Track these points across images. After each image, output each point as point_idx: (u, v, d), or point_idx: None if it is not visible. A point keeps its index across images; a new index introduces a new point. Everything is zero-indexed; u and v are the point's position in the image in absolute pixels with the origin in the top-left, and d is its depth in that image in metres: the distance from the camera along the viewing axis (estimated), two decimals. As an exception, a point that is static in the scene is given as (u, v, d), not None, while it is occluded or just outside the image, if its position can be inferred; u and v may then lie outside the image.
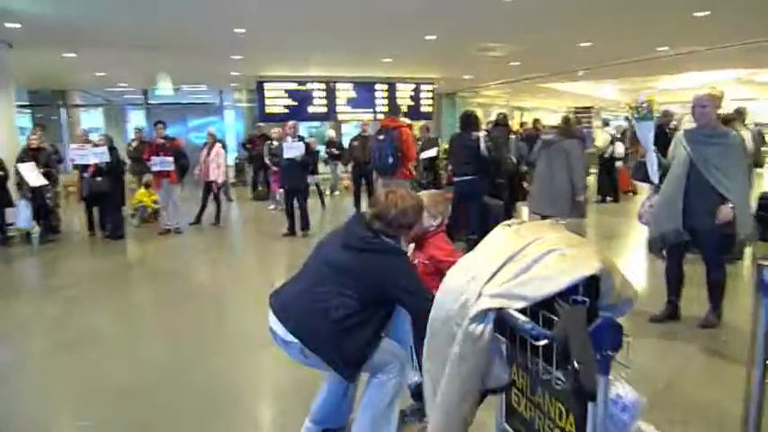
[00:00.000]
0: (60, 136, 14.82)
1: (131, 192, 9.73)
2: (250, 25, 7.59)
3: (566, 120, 6.04)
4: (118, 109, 17.72)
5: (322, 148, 12.22)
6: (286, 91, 13.19)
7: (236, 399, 3.11)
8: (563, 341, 1.18)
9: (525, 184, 8.37)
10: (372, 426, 2.26)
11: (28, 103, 15.57)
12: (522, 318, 1.32)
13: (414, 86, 14.20)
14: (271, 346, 2.38)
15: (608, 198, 10.31)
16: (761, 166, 7.76)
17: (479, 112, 19.59)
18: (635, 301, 1.48)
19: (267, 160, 10.07)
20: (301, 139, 7.61)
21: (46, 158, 7.77)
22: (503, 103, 22.08)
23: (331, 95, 13.56)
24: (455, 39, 9.11)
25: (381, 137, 6.13)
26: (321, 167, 11.73)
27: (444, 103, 18.01)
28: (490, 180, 6.37)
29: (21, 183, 7.49)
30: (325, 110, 13.61)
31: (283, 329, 2.19)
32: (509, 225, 1.62)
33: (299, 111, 13.22)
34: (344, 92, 13.69)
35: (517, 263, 1.41)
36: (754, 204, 4.82)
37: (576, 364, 1.13)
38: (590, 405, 1.28)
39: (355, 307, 2.13)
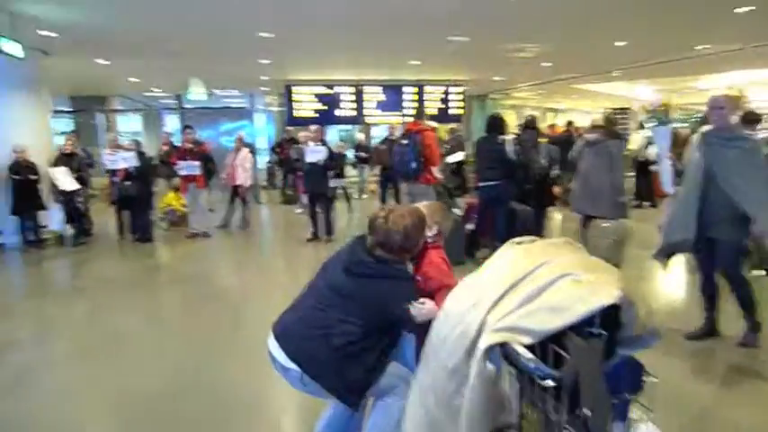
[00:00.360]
0: (98, 140, 15.24)
1: (160, 196, 9.86)
2: (275, 29, 7.59)
3: (609, 120, 5.98)
4: (155, 113, 18.16)
5: (351, 152, 12.18)
6: (314, 95, 13.20)
7: (252, 407, 3.05)
8: (572, 383, 1.03)
9: (556, 189, 8.11)
10: None
11: (70, 109, 16.18)
12: (526, 355, 1.17)
13: (443, 89, 14.01)
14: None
15: (644, 203, 9.90)
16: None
17: (511, 115, 19.35)
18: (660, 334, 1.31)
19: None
20: (324, 143, 7.54)
21: (78, 163, 7.94)
22: (535, 105, 21.63)
23: (359, 99, 13.50)
24: (484, 40, 8.91)
25: (405, 141, 6.00)
26: (349, 171, 11.68)
27: (475, 105, 17.73)
28: (518, 185, 6.15)
29: (54, 187, 7.67)
30: (353, 113, 13.57)
31: (283, 356, 2.08)
32: (518, 243, 1.47)
33: (327, 114, 13.23)
34: (373, 95, 13.61)
35: (525, 288, 1.26)
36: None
37: (585, 411, 0.99)
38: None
39: (358, 334, 2.01)
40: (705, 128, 3.58)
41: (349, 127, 15.87)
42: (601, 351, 1.10)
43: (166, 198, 9.53)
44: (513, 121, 16.09)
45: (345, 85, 13.31)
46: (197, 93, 15.70)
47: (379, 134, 14.01)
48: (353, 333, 2.00)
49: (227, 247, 7.98)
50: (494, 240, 6.03)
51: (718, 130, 3.45)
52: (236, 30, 7.68)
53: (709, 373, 3.29)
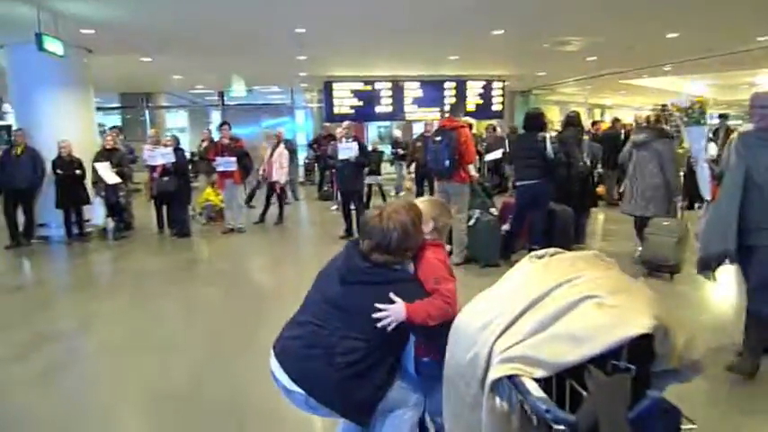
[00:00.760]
0: (145, 136, 15.69)
1: (200, 191, 10.02)
2: (310, 24, 7.52)
3: (656, 119, 5.87)
4: (202, 110, 18.57)
5: (388, 148, 12.03)
6: (352, 91, 13.10)
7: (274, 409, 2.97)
8: (590, 430, 0.86)
9: (600, 189, 7.75)
10: None
11: (116, 106, 16.77)
12: (537, 393, 0.99)
13: (483, 84, 13.66)
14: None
15: (696, 204, 9.34)
16: None
17: (556, 111, 18.77)
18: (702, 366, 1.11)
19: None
20: (356, 139, 7.43)
21: (119, 159, 8.12)
22: (581, 101, 20.91)
23: (398, 95, 13.33)
24: (526, 33, 8.58)
25: (438, 138, 5.80)
26: (387, 168, 11.53)
27: (518, 101, 17.28)
28: (558, 185, 5.87)
29: (96, 181, 7.88)
30: (391, 109, 13.42)
31: (286, 377, 1.94)
32: (538, 257, 1.29)
33: (365, 111, 13.13)
34: (412, 91, 13.41)
35: (541, 311, 1.09)
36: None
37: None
38: None
39: (363, 350, 1.85)
40: (745, 127, 3.27)
41: (388, 123, 15.75)
42: (627, 390, 0.92)
43: (205, 193, 9.67)
44: (556, 118, 15.61)
45: (384, 81, 13.16)
46: (238, 89, 15.94)
47: (420, 130, 13.84)
48: (358, 350, 1.85)
49: (262, 243, 8.01)
50: (530, 243, 5.81)
51: (759, 131, 3.14)
52: (272, 25, 7.65)
53: (754, 412, 2.88)
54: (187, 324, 4.69)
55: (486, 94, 13.74)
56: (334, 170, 9.33)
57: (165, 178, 7.92)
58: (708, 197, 3.35)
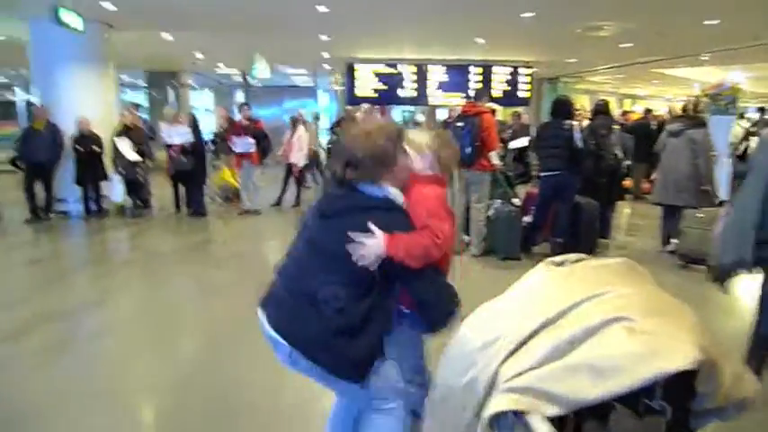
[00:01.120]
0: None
1: (219, 171, 9.96)
2: (331, 3, 7.31)
3: (694, 107, 5.76)
4: (227, 90, 18.53)
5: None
6: (376, 74, 12.88)
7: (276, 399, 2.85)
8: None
9: (627, 182, 7.44)
10: None
11: (142, 84, 16.82)
12: (547, 437, 0.82)
13: (511, 70, 13.27)
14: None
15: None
16: None
17: (585, 100, 18.24)
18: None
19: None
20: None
21: (138, 137, 8.08)
22: (610, 90, 20.29)
23: (422, 79, 13.06)
24: (555, 17, 8.22)
25: (460, 124, 5.57)
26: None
27: (546, 88, 16.81)
28: (585, 176, 5.61)
29: (115, 158, 7.85)
30: (415, 94, 13.17)
31: (268, 327, 1.77)
32: (557, 263, 1.08)
33: (389, 94, 12.92)
34: (436, 75, 13.12)
35: (558, 332, 0.90)
36: None
37: None
38: None
39: (345, 298, 1.63)
40: None
41: (413, 108, 15.50)
42: (661, 438, 0.75)
43: (223, 174, 9.60)
44: (586, 107, 15.13)
45: (408, 64, 12.89)
46: (261, 69, 15.79)
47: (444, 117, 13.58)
48: (341, 296, 1.62)
49: (276, 225, 7.91)
50: (553, 236, 5.60)
51: None
52: (294, 3, 7.47)
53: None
54: (197, 305, 4.63)
55: (513, 81, 13.37)
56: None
57: (182, 158, 7.86)
58: (723, 196, 2.98)
